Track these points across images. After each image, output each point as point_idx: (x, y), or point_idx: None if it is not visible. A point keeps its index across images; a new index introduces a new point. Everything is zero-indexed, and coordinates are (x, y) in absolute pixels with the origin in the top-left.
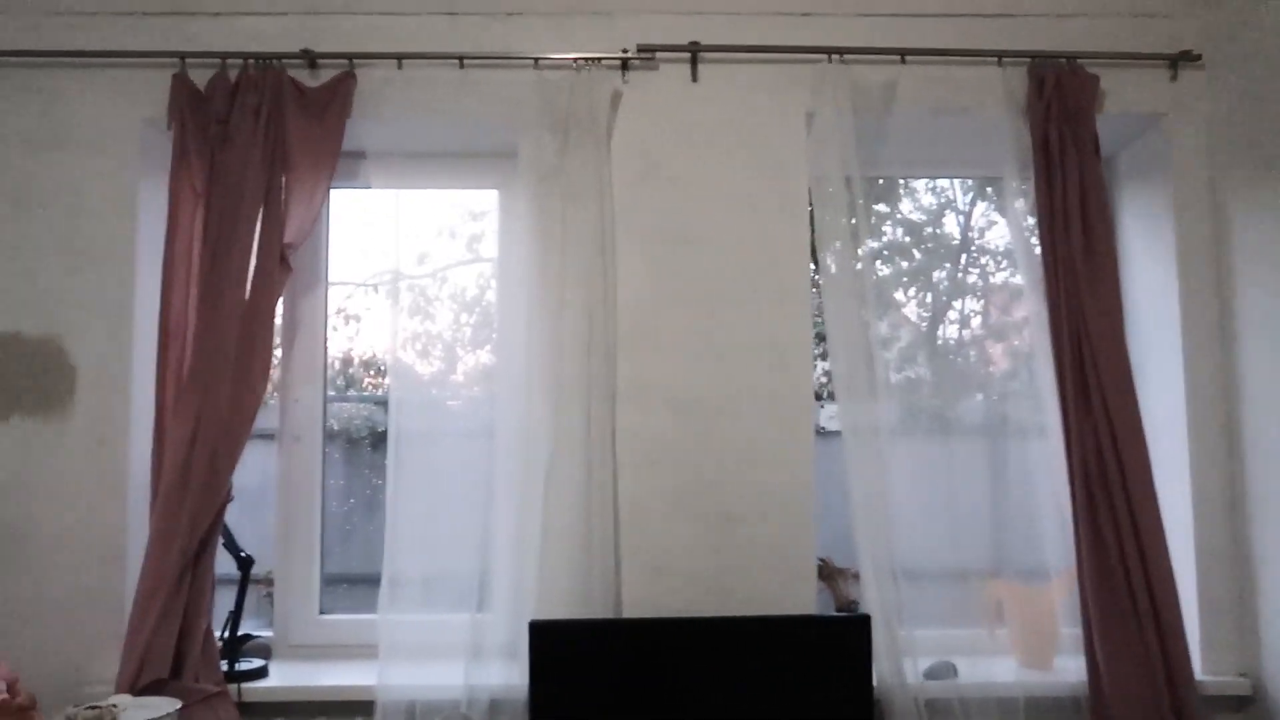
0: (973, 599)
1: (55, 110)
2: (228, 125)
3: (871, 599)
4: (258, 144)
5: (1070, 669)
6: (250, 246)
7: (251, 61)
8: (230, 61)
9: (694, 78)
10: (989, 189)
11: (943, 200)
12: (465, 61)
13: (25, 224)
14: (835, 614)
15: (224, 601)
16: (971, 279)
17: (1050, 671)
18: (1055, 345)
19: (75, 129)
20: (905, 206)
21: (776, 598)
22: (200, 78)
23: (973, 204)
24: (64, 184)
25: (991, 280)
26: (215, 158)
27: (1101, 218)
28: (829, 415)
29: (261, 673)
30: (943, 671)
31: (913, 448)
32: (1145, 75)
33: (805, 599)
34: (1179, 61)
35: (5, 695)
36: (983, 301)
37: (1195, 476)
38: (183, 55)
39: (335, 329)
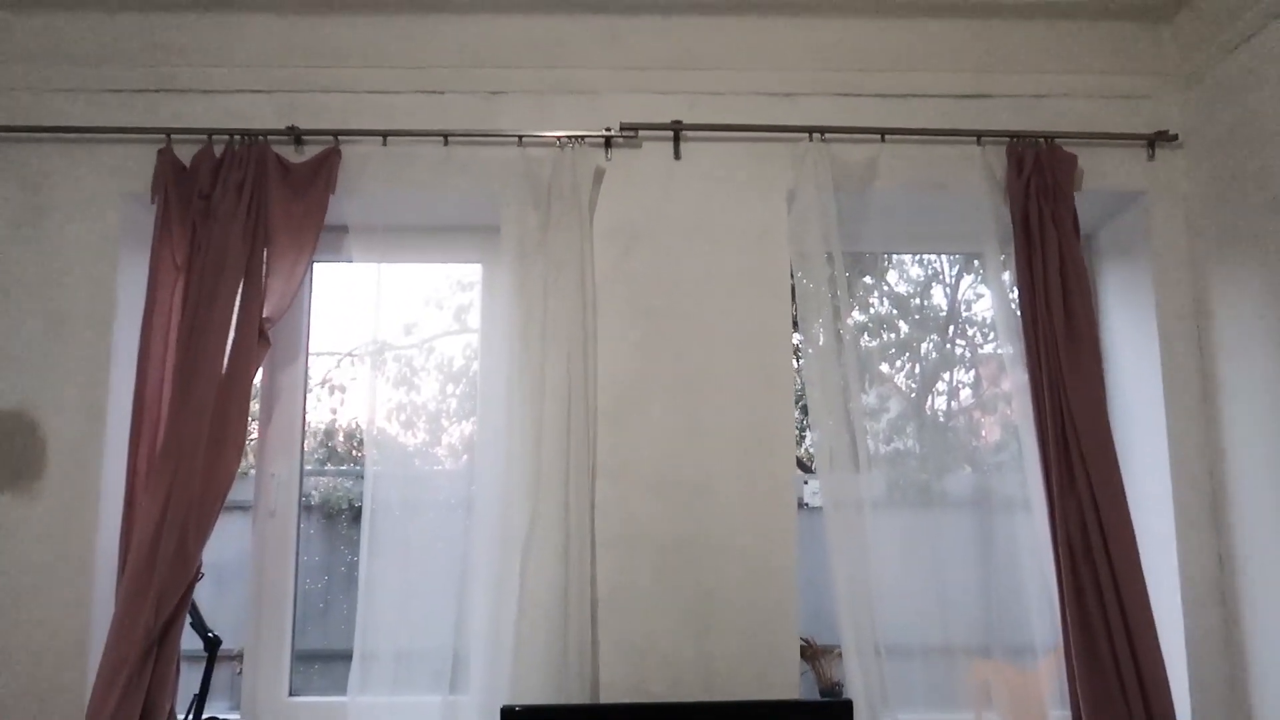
0: (959, 680)
1: (39, 184)
2: (211, 200)
3: (854, 680)
4: (240, 218)
5: None
6: (229, 320)
7: (237, 137)
8: (216, 137)
9: (676, 155)
10: (975, 262)
11: (930, 272)
12: (450, 138)
13: (3, 295)
14: (817, 699)
15: (189, 682)
16: (960, 350)
17: None
18: (1038, 419)
19: (58, 202)
20: (892, 278)
21: (759, 680)
22: (185, 153)
23: (959, 276)
24: (45, 256)
25: (980, 351)
26: (197, 232)
27: (1081, 294)
28: (812, 491)
29: None
30: None
31: (897, 521)
32: (1123, 154)
33: (788, 681)
34: (1156, 141)
35: None
36: (972, 372)
37: (1182, 552)
38: (169, 131)
39: (319, 400)
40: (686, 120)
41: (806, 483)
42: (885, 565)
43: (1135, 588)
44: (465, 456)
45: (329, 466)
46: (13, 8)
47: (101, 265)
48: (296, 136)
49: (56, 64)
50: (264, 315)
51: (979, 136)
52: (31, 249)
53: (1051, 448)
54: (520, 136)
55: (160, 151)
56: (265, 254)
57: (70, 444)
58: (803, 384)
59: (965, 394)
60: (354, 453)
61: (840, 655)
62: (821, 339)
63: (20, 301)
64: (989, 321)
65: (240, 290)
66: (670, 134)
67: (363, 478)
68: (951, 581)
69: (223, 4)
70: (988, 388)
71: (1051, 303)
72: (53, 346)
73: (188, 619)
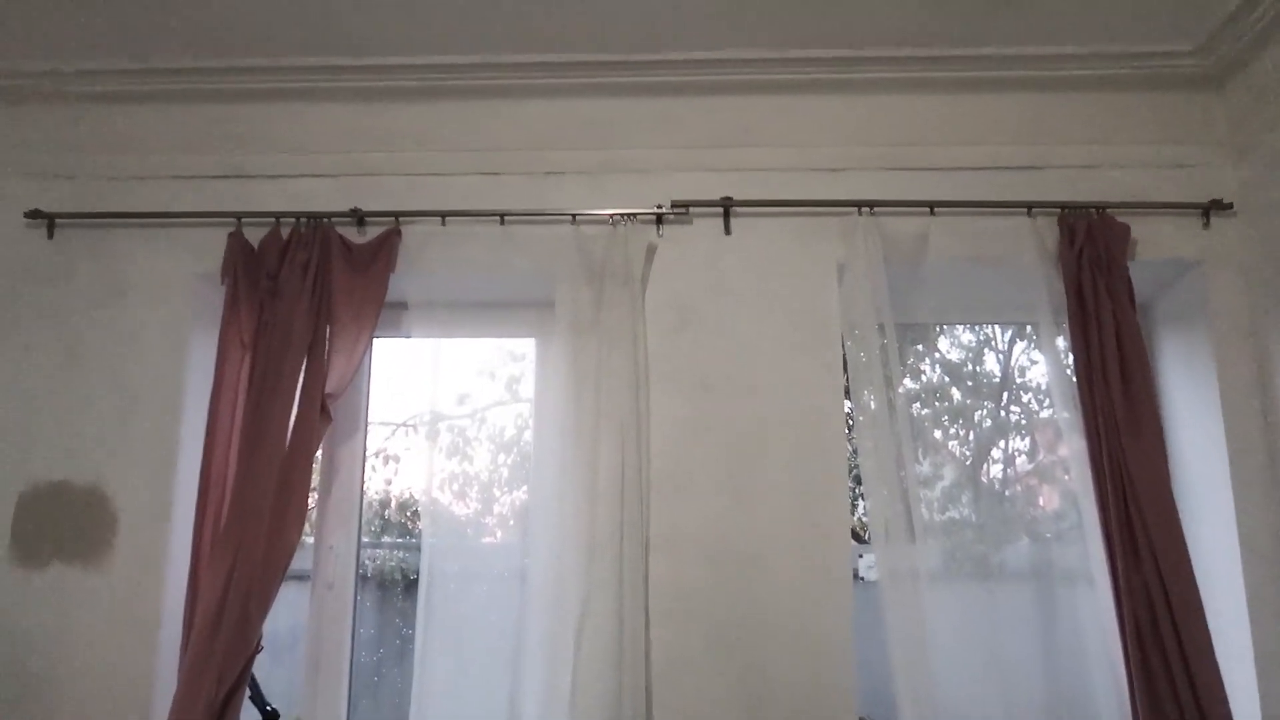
0: None
1: (115, 267)
2: (277, 280)
3: None
4: (305, 297)
5: None
6: (293, 397)
7: (303, 220)
8: (283, 220)
9: (727, 230)
10: (1027, 328)
11: (981, 339)
12: (506, 218)
13: (80, 374)
14: None
15: None
16: (1015, 416)
17: None
18: (1099, 493)
19: (132, 284)
20: (944, 345)
21: None
22: (254, 235)
23: (1012, 342)
24: (120, 336)
25: (1037, 416)
26: (264, 311)
27: (1139, 365)
28: (868, 564)
29: None
30: None
31: (955, 594)
32: (1178, 223)
33: None
34: (1211, 210)
35: None
36: (1028, 439)
37: (1256, 632)
38: (239, 215)
39: (374, 469)
40: (737, 196)
41: (861, 555)
42: (944, 640)
43: (1207, 669)
44: (513, 523)
45: (385, 538)
46: (95, 100)
47: (173, 344)
48: (359, 218)
49: (136, 153)
50: (326, 391)
51: (1030, 208)
52: (108, 329)
53: (1114, 520)
54: (574, 215)
55: (231, 234)
56: (328, 331)
57: (139, 517)
58: (855, 453)
59: (1021, 461)
60: (407, 523)
61: None
62: (873, 407)
63: (96, 379)
64: (1044, 387)
65: (304, 367)
66: (721, 210)
67: (416, 548)
68: (1012, 657)
69: (290, 94)
70: (1045, 454)
71: (1109, 372)
72: (125, 423)
73: (247, 691)
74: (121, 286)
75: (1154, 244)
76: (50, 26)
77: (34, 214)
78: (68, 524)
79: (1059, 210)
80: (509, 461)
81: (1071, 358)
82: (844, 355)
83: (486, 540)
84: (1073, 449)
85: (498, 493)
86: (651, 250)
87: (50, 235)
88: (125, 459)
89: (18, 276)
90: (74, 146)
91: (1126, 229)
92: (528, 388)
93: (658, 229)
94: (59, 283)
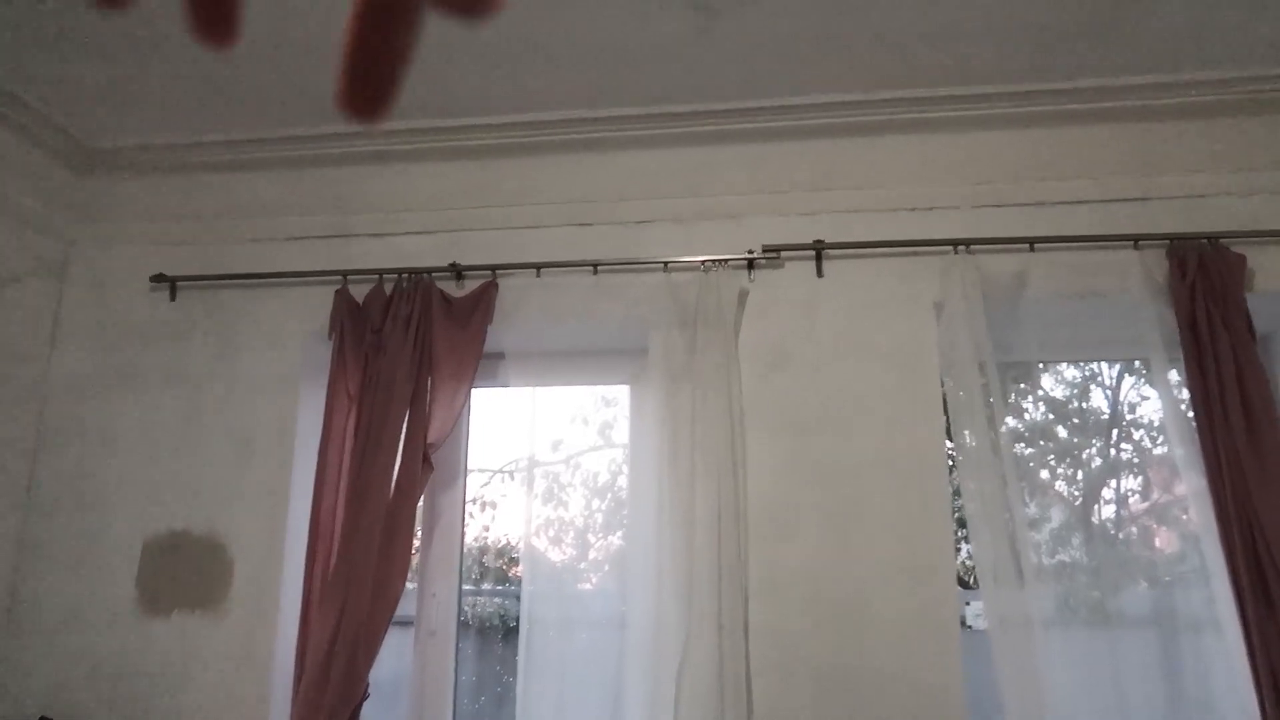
0: None
1: (231, 325)
2: (381, 334)
3: None
4: (407, 350)
5: None
6: (396, 447)
7: (405, 276)
8: (386, 276)
9: (819, 273)
10: (1136, 363)
11: (1087, 374)
12: (599, 267)
13: (200, 429)
14: None
15: None
16: (1125, 455)
17: None
18: (1224, 537)
19: (247, 341)
20: (1048, 382)
21: None
22: (358, 293)
23: (1120, 378)
24: (235, 391)
25: (1150, 455)
26: (369, 364)
27: (1263, 400)
28: (974, 613)
29: None
30: None
31: (1070, 642)
32: None
33: None
34: None
35: None
36: (1140, 478)
37: None
38: (344, 273)
39: (472, 516)
40: (828, 239)
41: (969, 603)
42: (1060, 690)
43: None
44: (609, 569)
45: (484, 586)
46: (211, 169)
47: (284, 397)
48: (458, 272)
49: (248, 217)
50: (428, 441)
51: (1136, 240)
52: (223, 384)
53: (1241, 563)
54: (666, 263)
55: (337, 292)
56: (430, 383)
57: (253, 565)
58: (958, 495)
59: (1135, 500)
60: (504, 568)
61: None
62: (975, 446)
63: (213, 433)
64: (1156, 424)
65: (407, 417)
66: (813, 253)
67: (515, 595)
68: (1135, 708)
69: (389, 156)
70: (1160, 493)
71: (1229, 407)
72: (240, 474)
73: None
74: (237, 343)
75: (1272, 273)
76: (168, 100)
77: (158, 278)
78: (188, 572)
79: (1168, 242)
80: (603, 507)
81: (1187, 393)
82: (944, 395)
83: (583, 586)
84: (1191, 487)
85: (592, 538)
86: (744, 295)
87: (173, 298)
88: (240, 508)
89: (143, 337)
90: (194, 213)
91: (1242, 259)
92: (620, 433)
93: (749, 274)
94: (181, 342)
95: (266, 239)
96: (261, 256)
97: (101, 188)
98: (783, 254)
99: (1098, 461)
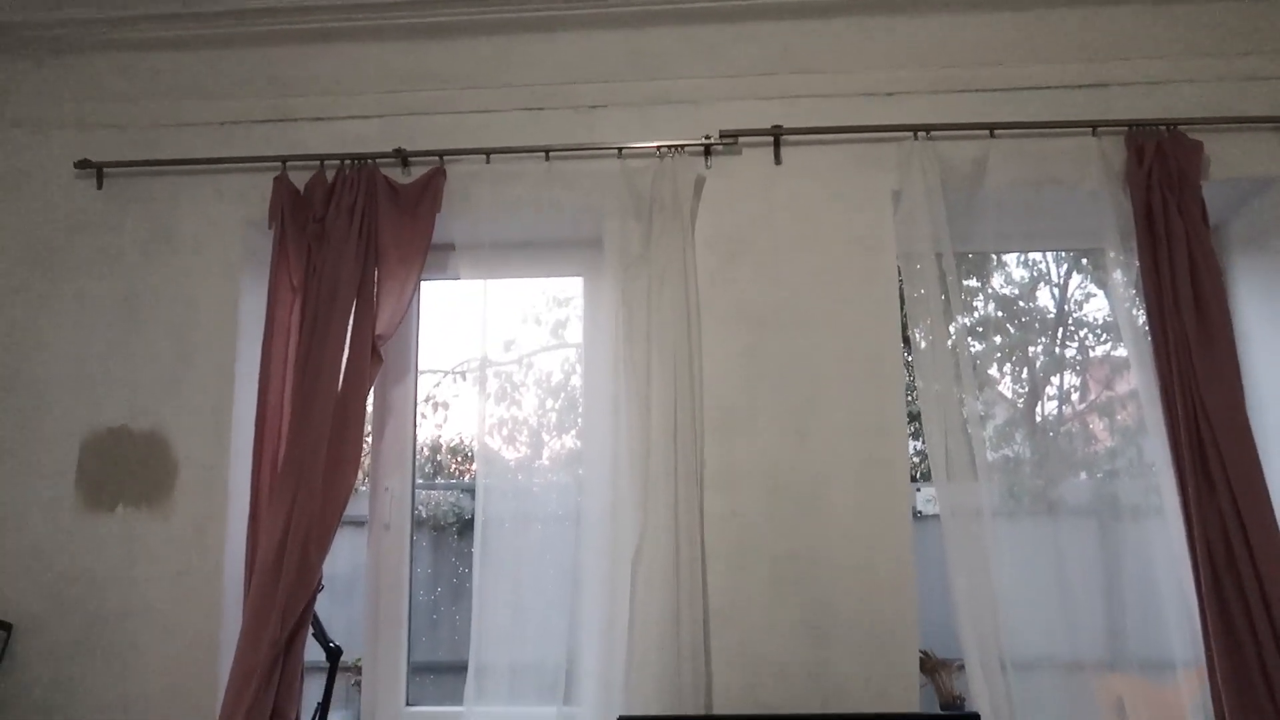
0: (1090, 695)
1: (164, 214)
2: (324, 223)
3: (979, 694)
4: (352, 240)
5: None
6: (343, 339)
7: (348, 162)
8: (328, 162)
9: (777, 160)
10: (1084, 260)
11: (1035, 274)
12: (551, 154)
13: (136, 323)
14: (941, 712)
15: (312, 691)
16: (1070, 353)
17: None
18: (1170, 423)
19: (182, 231)
20: (996, 281)
21: (877, 693)
22: (299, 179)
23: (1067, 276)
24: (172, 284)
25: (1092, 354)
26: (312, 255)
27: (1214, 288)
28: (925, 498)
29: None
30: None
31: (1017, 530)
32: (1253, 139)
33: (908, 694)
34: None
35: None
36: (1082, 376)
37: None
38: (284, 159)
39: (424, 416)
40: (786, 125)
41: (919, 490)
42: (1007, 575)
43: None
44: (565, 468)
45: (439, 480)
46: (139, 48)
47: (224, 289)
48: (403, 159)
49: (182, 99)
50: (376, 333)
51: (1094, 127)
52: (160, 276)
53: (1186, 453)
54: (620, 149)
55: (277, 179)
56: (376, 273)
57: (199, 462)
58: (913, 389)
59: (1076, 398)
60: (456, 468)
61: (960, 668)
62: (931, 341)
63: (152, 327)
64: (1100, 322)
65: (353, 309)
66: (770, 139)
67: (469, 491)
68: (1078, 592)
69: (332, 34)
70: (1100, 391)
71: (1181, 299)
72: (181, 369)
73: (310, 630)
74: (171, 234)
75: (1228, 162)
76: None
77: (83, 164)
78: (130, 469)
79: (1126, 129)
80: (556, 406)
81: (1138, 288)
82: (900, 287)
83: (538, 482)
84: (1140, 380)
85: (546, 437)
86: (700, 182)
87: (99, 185)
88: (182, 403)
89: (70, 226)
90: (120, 95)
91: (1199, 146)
92: (573, 332)
93: (706, 161)
94: (110, 232)
95: (200, 123)
96: (195, 142)
97: (18, 68)
98: (740, 139)
99: (1043, 359)
